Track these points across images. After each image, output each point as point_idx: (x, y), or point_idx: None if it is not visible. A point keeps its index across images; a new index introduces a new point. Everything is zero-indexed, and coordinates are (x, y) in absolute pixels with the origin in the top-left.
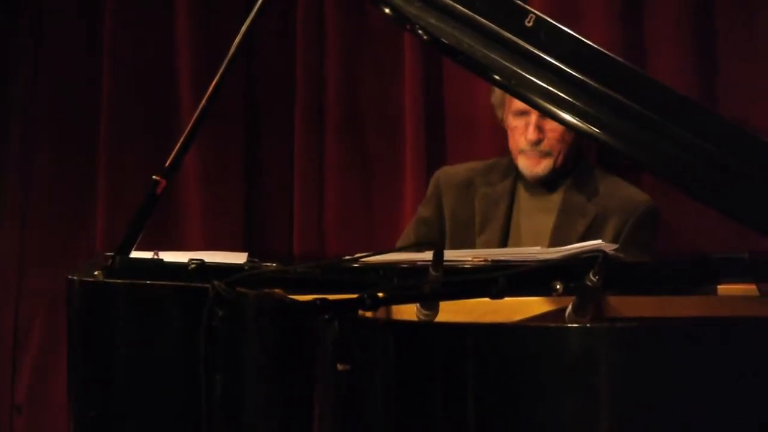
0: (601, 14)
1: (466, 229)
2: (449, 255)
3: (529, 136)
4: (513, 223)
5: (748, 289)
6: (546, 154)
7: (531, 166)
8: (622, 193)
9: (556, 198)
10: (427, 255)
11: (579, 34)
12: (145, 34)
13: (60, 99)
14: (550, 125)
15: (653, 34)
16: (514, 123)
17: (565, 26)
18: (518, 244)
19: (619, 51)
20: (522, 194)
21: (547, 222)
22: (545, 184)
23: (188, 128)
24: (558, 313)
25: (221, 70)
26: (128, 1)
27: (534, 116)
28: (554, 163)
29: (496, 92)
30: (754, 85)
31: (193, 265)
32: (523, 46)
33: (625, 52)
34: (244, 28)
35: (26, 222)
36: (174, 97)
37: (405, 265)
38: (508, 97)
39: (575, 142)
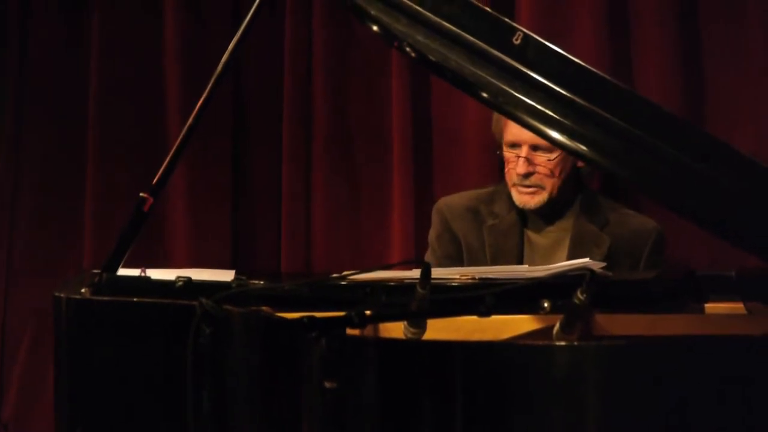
0: (589, 29)
1: (477, 259)
2: (437, 273)
3: (518, 169)
4: (526, 256)
5: (735, 307)
6: (538, 187)
7: (525, 200)
8: (632, 222)
9: (565, 227)
10: (415, 273)
11: (567, 49)
12: (132, 52)
13: (47, 113)
14: (540, 159)
15: (641, 49)
16: (507, 155)
17: (552, 41)
18: None
19: (606, 65)
20: (530, 227)
21: (559, 253)
22: (552, 214)
23: (175, 145)
24: (546, 331)
25: (209, 87)
26: (114, 20)
27: (524, 149)
28: (549, 196)
29: (494, 122)
30: (741, 100)
31: (180, 283)
32: (510, 64)
33: (612, 67)
34: (231, 46)
35: (13, 238)
36: (162, 114)
37: (393, 283)
38: (502, 128)
39: (570, 175)
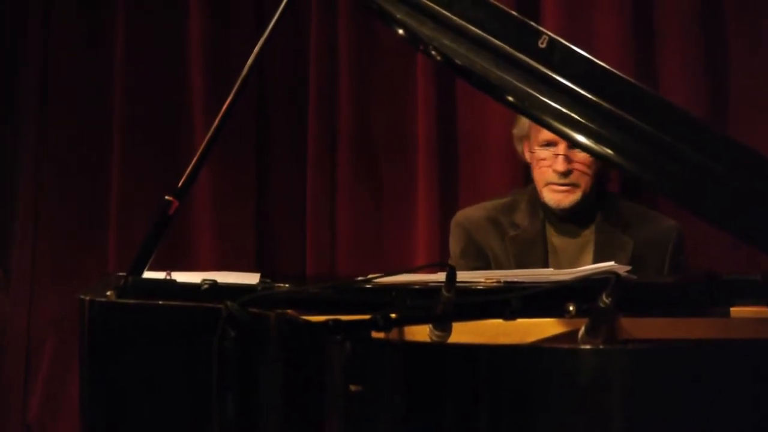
0: (613, 34)
1: (504, 270)
2: (462, 276)
3: (558, 167)
4: (551, 265)
5: (760, 311)
6: (574, 186)
7: (559, 199)
8: (653, 222)
9: (587, 234)
10: (440, 276)
11: (591, 52)
12: (157, 54)
13: (72, 117)
14: (579, 156)
15: (665, 51)
16: (541, 154)
17: (577, 46)
18: None
19: (631, 70)
20: (552, 234)
21: (583, 260)
22: (574, 219)
23: (201, 148)
24: (571, 335)
25: (234, 91)
26: (140, 23)
27: (562, 147)
28: (582, 195)
29: (520, 124)
30: (765, 101)
31: (205, 286)
32: (536, 68)
33: (636, 69)
34: (257, 48)
35: (38, 243)
36: (187, 117)
37: (418, 286)
38: (534, 128)
39: (599, 173)
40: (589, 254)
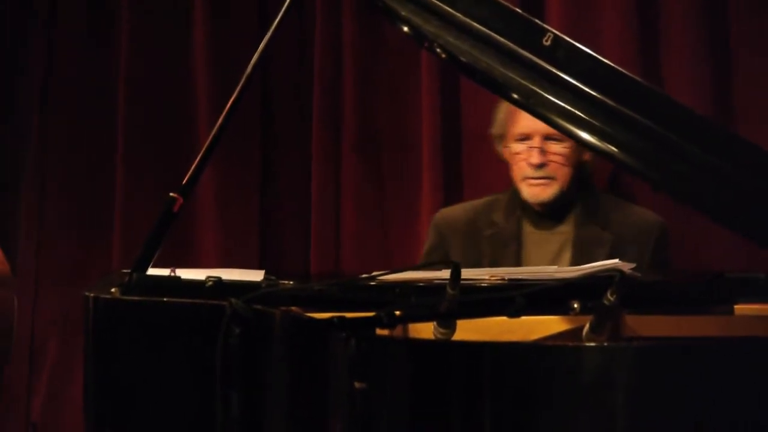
0: (618, 27)
1: None
2: (466, 273)
3: (533, 159)
4: (527, 263)
5: (764, 309)
6: (551, 179)
7: (537, 193)
8: (635, 217)
9: (566, 230)
10: (445, 273)
11: (595, 49)
12: (161, 55)
13: (76, 117)
14: (554, 148)
15: (670, 48)
16: (516, 148)
17: (581, 41)
18: None
19: (635, 69)
20: (529, 231)
21: (562, 257)
22: (552, 215)
23: (205, 146)
24: (575, 332)
25: (238, 88)
26: (144, 17)
27: (536, 139)
28: (560, 189)
29: (496, 123)
30: None
31: (210, 283)
32: (541, 65)
33: (641, 71)
34: (262, 45)
35: (42, 241)
36: (190, 117)
37: (422, 284)
38: (509, 123)
39: (578, 166)
40: (568, 250)
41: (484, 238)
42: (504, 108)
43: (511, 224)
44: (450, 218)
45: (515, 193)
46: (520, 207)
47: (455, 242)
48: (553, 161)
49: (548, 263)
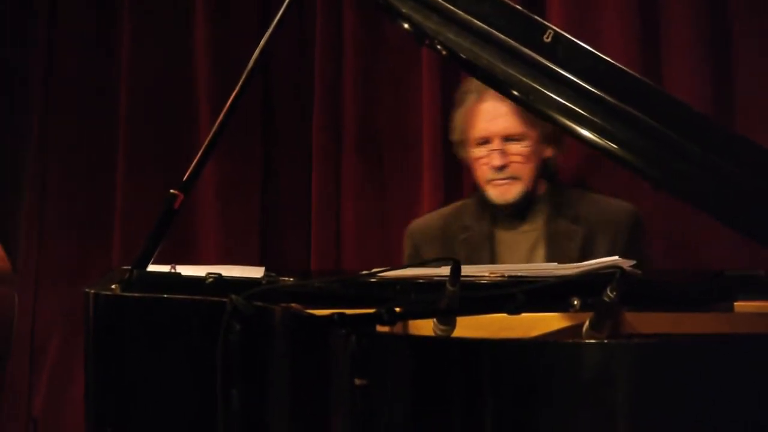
0: (619, 31)
1: None
2: (466, 270)
3: (494, 162)
4: (503, 262)
5: (764, 306)
6: (514, 179)
7: (501, 194)
8: (605, 208)
9: (537, 227)
10: (445, 270)
11: (596, 46)
12: (162, 49)
13: (77, 116)
14: (514, 149)
15: (670, 46)
16: (477, 153)
17: (582, 38)
18: None
19: (636, 69)
20: (501, 232)
21: (536, 254)
22: (521, 214)
23: (206, 142)
24: (575, 329)
25: (239, 85)
26: (145, 17)
27: (496, 142)
28: (525, 187)
29: (456, 128)
30: None
31: (210, 279)
32: (541, 62)
33: (642, 70)
34: (262, 43)
35: (42, 241)
36: (192, 111)
37: (422, 280)
38: (468, 128)
39: (541, 164)
40: (542, 247)
41: (459, 242)
42: (461, 113)
43: (482, 226)
44: (423, 227)
45: (483, 196)
46: (490, 209)
47: (430, 250)
48: (515, 161)
49: (523, 261)
